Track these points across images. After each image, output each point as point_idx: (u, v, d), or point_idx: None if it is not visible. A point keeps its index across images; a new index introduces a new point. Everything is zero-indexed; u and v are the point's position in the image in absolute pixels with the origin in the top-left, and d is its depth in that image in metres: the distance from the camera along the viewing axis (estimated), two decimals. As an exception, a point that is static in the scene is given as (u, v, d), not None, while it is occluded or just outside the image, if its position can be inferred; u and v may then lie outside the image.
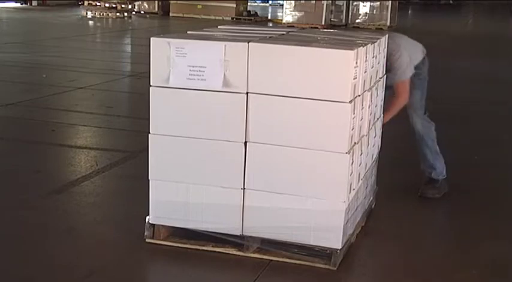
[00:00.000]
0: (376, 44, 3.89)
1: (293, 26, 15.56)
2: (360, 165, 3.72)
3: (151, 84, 3.59)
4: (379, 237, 4.07)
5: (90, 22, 19.08)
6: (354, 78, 3.40)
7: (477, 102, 8.75)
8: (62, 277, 3.41)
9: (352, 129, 3.47)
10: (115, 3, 20.50)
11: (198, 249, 3.66)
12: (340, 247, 3.52)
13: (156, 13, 21.74)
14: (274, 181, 3.52)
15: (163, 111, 3.61)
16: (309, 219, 3.52)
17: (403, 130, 6.94)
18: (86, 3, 20.78)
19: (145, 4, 22.14)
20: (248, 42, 3.44)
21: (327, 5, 18.85)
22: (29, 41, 13.81)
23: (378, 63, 4.05)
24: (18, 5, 23.10)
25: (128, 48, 14.21)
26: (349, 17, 19.79)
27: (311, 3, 18.73)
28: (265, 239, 3.61)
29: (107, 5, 20.41)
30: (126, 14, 20.46)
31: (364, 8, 19.62)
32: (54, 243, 3.81)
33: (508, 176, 5.55)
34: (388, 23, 19.11)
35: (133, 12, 21.43)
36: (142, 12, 21.95)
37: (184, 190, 3.66)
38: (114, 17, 20.11)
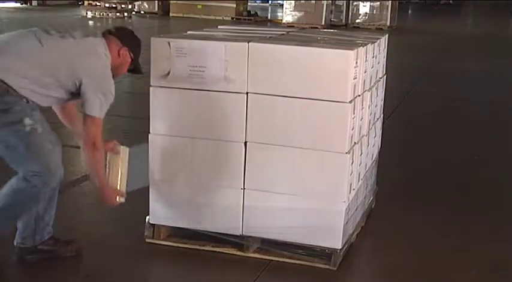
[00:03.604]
0: (376, 44, 3.89)
1: (293, 26, 15.56)
2: (360, 165, 3.72)
3: (151, 84, 3.58)
4: (379, 237, 4.07)
5: (90, 22, 19.07)
6: (354, 78, 3.40)
7: (477, 102, 8.75)
8: (62, 277, 3.41)
9: (352, 129, 3.47)
10: (115, 3, 20.49)
11: (198, 249, 3.66)
12: (340, 247, 3.52)
13: (156, 13, 21.72)
14: (274, 181, 3.52)
15: (163, 111, 3.61)
16: (309, 219, 3.52)
17: (403, 130, 6.98)
18: (85, 3, 20.76)
19: (145, 4, 22.12)
20: (248, 42, 3.44)
21: (327, 5, 18.84)
22: (29, 41, 13.79)
23: (378, 63, 4.05)
24: (18, 5, 23.09)
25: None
26: (349, 17, 19.78)
27: (311, 3, 18.72)
28: (265, 239, 3.61)
29: (106, 5, 20.40)
30: (126, 14, 20.44)
31: (364, 8, 19.60)
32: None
33: (508, 176, 5.55)
34: (388, 23, 19.11)
35: (133, 12, 21.42)
36: (142, 12, 21.94)
37: (184, 190, 3.66)
38: (114, 17, 20.10)
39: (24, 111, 3.08)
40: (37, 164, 3.16)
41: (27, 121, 3.08)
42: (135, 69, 3.47)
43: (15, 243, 3.46)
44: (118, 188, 3.48)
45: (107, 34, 3.35)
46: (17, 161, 3.17)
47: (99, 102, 3.19)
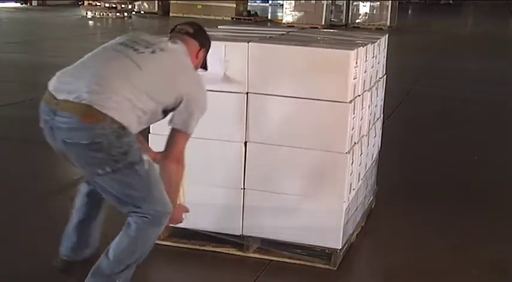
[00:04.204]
0: (376, 44, 3.89)
1: (293, 26, 15.55)
2: (360, 165, 3.72)
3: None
4: (379, 237, 4.07)
5: (90, 22, 19.08)
6: (354, 78, 3.40)
7: (477, 102, 8.75)
8: (62, 278, 3.40)
9: (352, 129, 3.47)
10: (115, 3, 20.49)
11: (198, 249, 3.66)
12: (340, 247, 3.52)
13: (156, 13, 21.72)
14: (274, 181, 3.52)
15: (163, 111, 3.60)
16: (309, 219, 3.52)
17: (403, 130, 6.98)
18: (86, 3, 20.75)
19: (145, 4, 22.11)
20: (248, 42, 3.44)
21: (327, 5, 18.83)
22: (29, 41, 13.80)
23: (378, 63, 4.05)
24: (18, 5, 23.07)
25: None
26: (349, 17, 19.76)
27: (311, 3, 18.71)
28: (265, 239, 3.61)
29: (106, 5, 20.39)
30: (126, 14, 20.44)
31: (364, 8, 19.60)
32: (54, 244, 3.80)
33: (508, 176, 5.55)
34: (388, 23, 19.09)
35: (133, 12, 21.42)
36: (142, 12, 21.93)
37: (184, 190, 3.65)
38: (114, 17, 20.10)
39: (140, 148, 2.82)
40: (157, 203, 2.86)
41: (146, 157, 2.83)
42: (203, 66, 3.21)
43: (62, 257, 3.24)
44: (181, 203, 3.21)
45: (186, 37, 3.06)
46: (135, 202, 2.84)
47: (196, 118, 2.95)
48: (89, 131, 2.67)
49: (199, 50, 3.09)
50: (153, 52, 2.87)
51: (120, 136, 2.71)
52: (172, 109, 2.91)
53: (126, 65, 2.80)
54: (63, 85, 2.78)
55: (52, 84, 2.82)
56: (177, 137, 2.96)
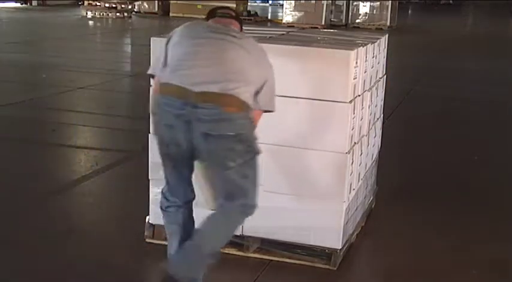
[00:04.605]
0: (376, 44, 3.89)
1: (293, 26, 15.55)
2: (360, 165, 3.72)
3: (151, 84, 3.58)
4: (379, 237, 4.07)
5: (90, 22, 19.08)
6: (354, 78, 3.40)
7: (477, 102, 8.76)
8: (62, 278, 3.41)
9: (352, 129, 3.47)
10: (115, 3, 20.48)
11: (198, 249, 3.66)
12: (340, 247, 3.52)
13: (156, 13, 21.71)
14: (274, 181, 3.52)
15: (163, 111, 3.60)
16: (309, 219, 3.52)
17: (403, 130, 6.98)
18: (85, 3, 20.74)
19: (145, 4, 22.10)
20: (248, 42, 3.43)
21: (327, 5, 18.82)
22: (29, 41, 13.80)
23: (378, 63, 4.05)
24: (18, 5, 23.05)
25: (128, 48, 14.20)
26: (349, 17, 19.76)
27: (311, 3, 18.71)
28: (265, 239, 3.61)
29: (106, 5, 20.38)
30: (126, 14, 20.43)
31: (364, 8, 19.60)
32: (54, 244, 3.80)
33: (508, 176, 5.55)
34: (388, 23, 19.09)
35: (133, 12, 21.41)
36: (142, 12, 21.93)
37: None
38: (114, 17, 20.09)
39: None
40: (254, 197, 2.90)
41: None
42: None
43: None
44: None
45: (232, 20, 3.05)
46: (242, 193, 2.86)
47: (275, 96, 2.97)
48: (232, 122, 2.72)
49: (241, 31, 3.08)
50: (240, 38, 2.89)
51: (253, 127, 2.82)
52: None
53: (242, 54, 2.82)
54: (195, 78, 2.74)
55: (175, 79, 2.77)
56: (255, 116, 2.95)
